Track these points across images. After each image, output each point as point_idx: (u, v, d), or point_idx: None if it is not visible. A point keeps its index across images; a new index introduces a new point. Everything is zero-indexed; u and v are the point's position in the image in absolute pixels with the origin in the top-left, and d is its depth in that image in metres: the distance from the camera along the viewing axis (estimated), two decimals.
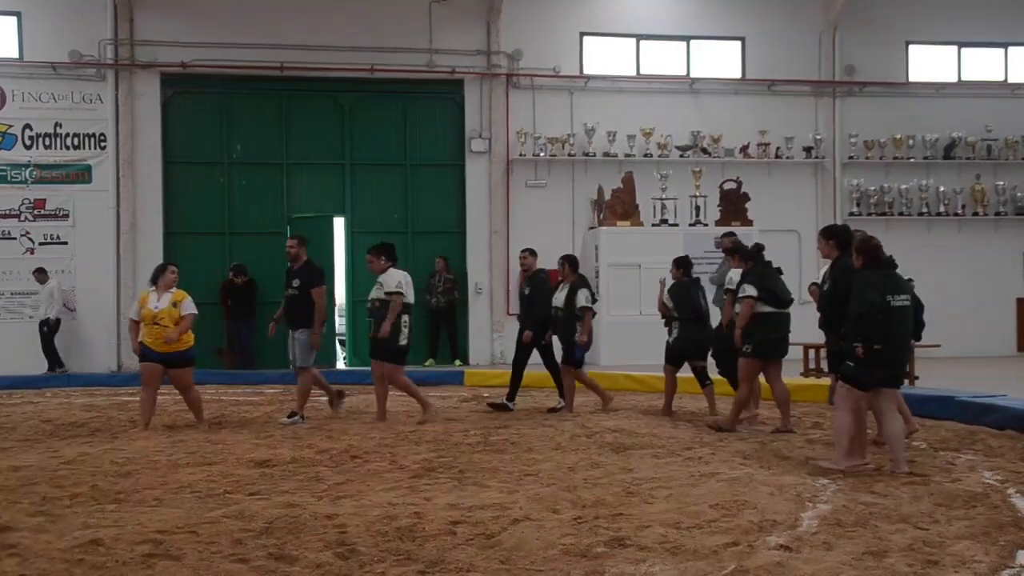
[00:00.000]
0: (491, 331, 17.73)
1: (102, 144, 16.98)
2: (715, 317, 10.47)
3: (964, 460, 7.45)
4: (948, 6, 19.18)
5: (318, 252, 17.24)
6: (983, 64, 19.57)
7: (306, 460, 7.62)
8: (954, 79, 19.42)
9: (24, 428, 9.98)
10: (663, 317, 10.54)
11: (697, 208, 17.29)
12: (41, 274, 16.06)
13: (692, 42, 18.70)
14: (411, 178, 17.97)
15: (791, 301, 9.09)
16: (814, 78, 18.79)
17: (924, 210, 18.90)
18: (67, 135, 16.92)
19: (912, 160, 18.97)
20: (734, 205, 17.14)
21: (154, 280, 9.79)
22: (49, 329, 15.99)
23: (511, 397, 11.13)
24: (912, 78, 19.23)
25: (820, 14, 18.78)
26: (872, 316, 6.70)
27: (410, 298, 9.94)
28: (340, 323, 18.18)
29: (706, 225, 17.11)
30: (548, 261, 17.83)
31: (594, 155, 18.01)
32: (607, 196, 17.23)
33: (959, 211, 19.01)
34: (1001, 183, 19.12)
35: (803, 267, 17.07)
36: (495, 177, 17.87)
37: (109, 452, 8.11)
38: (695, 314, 10.25)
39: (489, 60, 17.89)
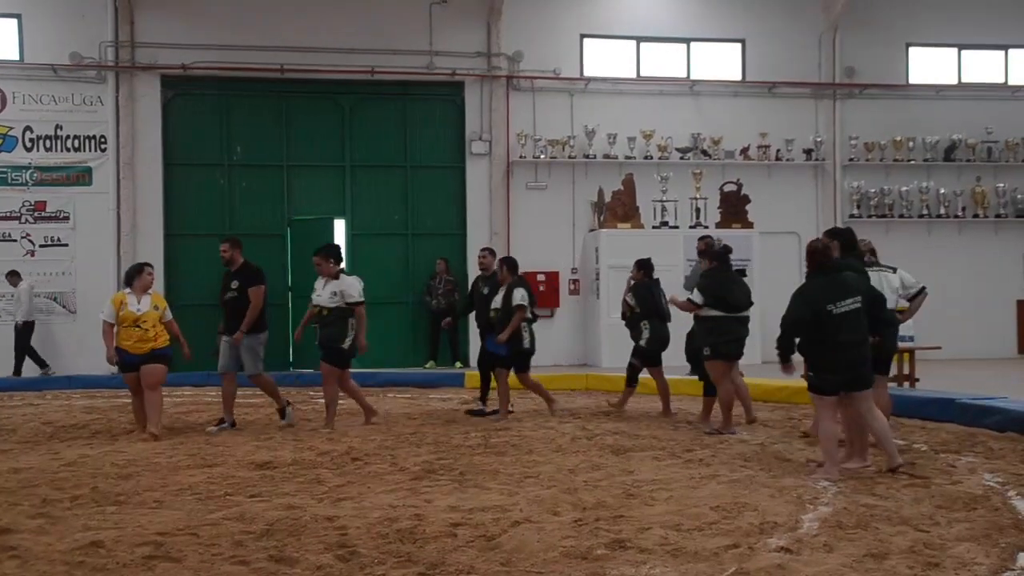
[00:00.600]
0: None
1: (102, 146, 16.99)
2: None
3: (965, 462, 7.45)
4: (948, 8, 19.19)
5: None
6: (983, 66, 19.58)
7: (307, 462, 7.61)
8: (954, 81, 19.43)
9: (25, 430, 9.97)
10: (626, 317, 10.67)
11: (697, 210, 17.29)
12: (14, 276, 15.90)
13: (692, 44, 18.71)
14: (411, 180, 17.97)
15: (747, 306, 9.32)
16: (814, 80, 18.81)
17: (924, 212, 18.90)
18: (67, 137, 16.93)
19: (912, 162, 18.98)
20: (734, 207, 17.15)
21: (128, 281, 9.50)
22: (22, 332, 15.80)
23: (484, 400, 11.05)
24: (912, 80, 19.24)
25: (820, 16, 18.79)
26: (798, 330, 6.94)
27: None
28: None
29: (706, 227, 17.10)
30: (549, 264, 18.01)
31: (594, 157, 18.02)
32: (607, 198, 17.23)
33: (959, 213, 19.02)
34: (1001, 185, 19.13)
35: (803, 269, 17.01)
36: (495, 179, 17.88)
37: (110, 454, 8.11)
38: (661, 314, 10.54)
39: (489, 62, 17.90)
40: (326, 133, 17.77)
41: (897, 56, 19.19)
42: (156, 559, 4.75)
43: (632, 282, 10.79)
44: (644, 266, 10.71)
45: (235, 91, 17.61)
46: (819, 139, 18.74)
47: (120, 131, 16.95)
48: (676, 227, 17.14)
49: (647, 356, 10.66)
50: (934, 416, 9.74)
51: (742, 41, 18.79)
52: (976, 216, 19.08)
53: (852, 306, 6.85)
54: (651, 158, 18.07)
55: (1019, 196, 19.24)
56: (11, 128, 16.79)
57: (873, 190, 18.80)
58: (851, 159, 18.89)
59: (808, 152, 18.71)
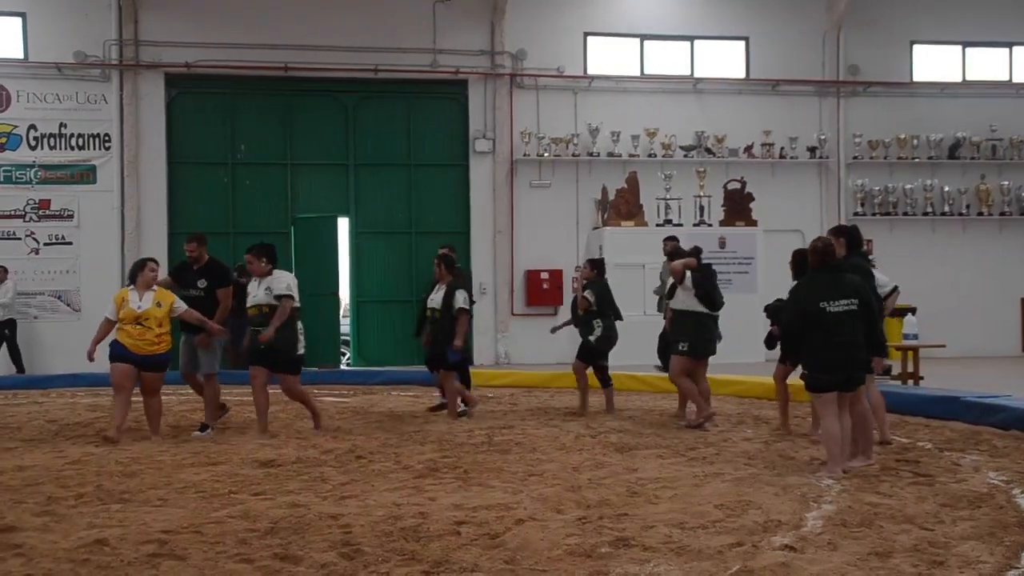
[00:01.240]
0: (495, 331, 17.72)
1: (107, 144, 17.01)
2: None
3: (969, 460, 7.44)
4: (952, 6, 19.15)
5: (323, 252, 17.41)
6: (988, 64, 19.55)
7: (311, 460, 7.62)
8: (959, 79, 19.39)
9: (29, 428, 9.99)
10: (582, 313, 10.64)
11: (701, 208, 17.28)
12: (2, 271, 15.72)
13: (696, 42, 18.69)
14: (415, 178, 17.98)
15: (721, 306, 9.61)
16: (818, 78, 18.78)
17: (929, 210, 18.88)
18: (72, 135, 16.95)
19: (917, 160, 18.95)
20: (738, 205, 17.14)
21: (132, 278, 9.13)
22: (9, 331, 15.69)
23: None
24: (916, 78, 19.21)
25: (824, 14, 18.77)
26: (791, 333, 7.04)
27: (298, 302, 9.11)
28: (345, 323, 18.17)
29: (710, 225, 17.11)
30: (553, 262, 18.02)
31: (598, 155, 18.01)
32: (611, 196, 17.22)
33: (964, 211, 18.99)
34: (1006, 183, 19.10)
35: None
36: (499, 177, 17.88)
37: (114, 452, 8.12)
38: (616, 313, 10.66)
39: (493, 60, 17.90)
40: (330, 131, 17.78)
41: (901, 54, 19.16)
42: (160, 557, 4.75)
43: (584, 280, 10.90)
44: (597, 265, 10.90)
45: (239, 89, 17.62)
46: (823, 137, 18.72)
47: (124, 129, 16.97)
48: (680, 225, 17.09)
49: (595, 353, 10.67)
50: (938, 414, 9.74)
51: (746, 39, 18.77)
52: (980, 214, 19.04)
53: (847, 307, 6.82)
54: (655, 156, 18.06)
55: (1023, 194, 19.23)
56: (15, 126, 16.81)
57: (877, 188, 18.78)
58: (855, 157, 18.86)
59: (812, 150, 18.69)
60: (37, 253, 16.77)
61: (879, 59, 18.92)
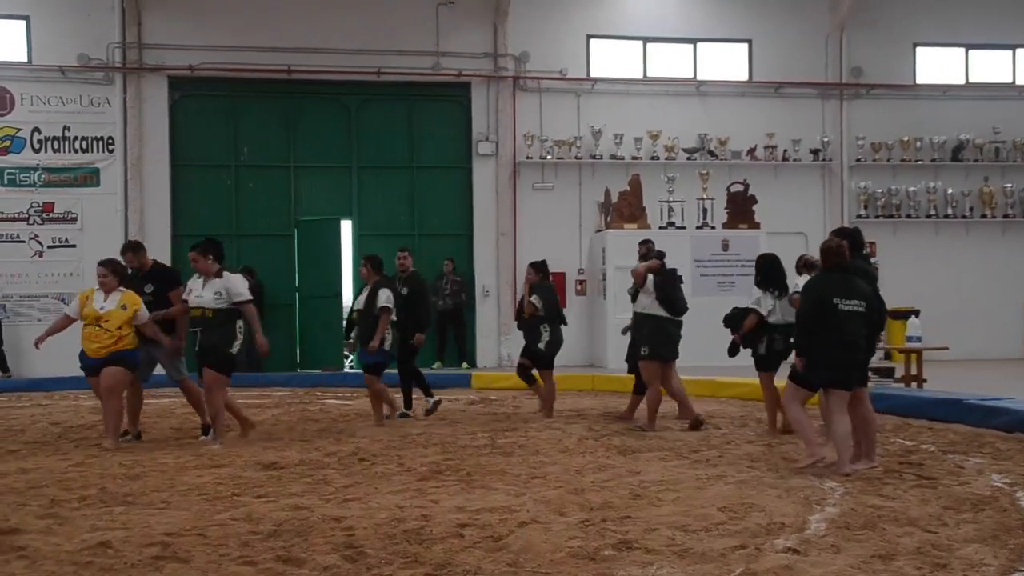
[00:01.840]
0: (498, 333, 17.74)
1: (110, 147, 17.04)
2: None
3: (972, 463, 7.43)
4: (955, 8, 19.15)
5: (326, 255, 17.42)
6: (991, 66, 19.55)
7: (314, 463, 7.62)
8: (962, 81, 19.39)
9: (33, 431, 10.00)
10: (529, 317, 10.53)
11: (704, 211, 17.27)
12: None
13: (699, 44, 18.70)
14: (418, 181, 18.00)
15: (685, 311, 9.68)
16: (821, 80, 18.79)
17: (932, 212, 18.86)
18: (75, 138, 16.98)
19: (920, 162, 18.94)
20: (741, 208, 17.12)
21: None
22: None
23: (408, 405, 10.84)
24: (920, 80, 19.21)
25: (827, 16, 18.77)
26: (807, 324, 7.06)
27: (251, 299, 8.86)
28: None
29: (713, 228, 17.10)
30: (556, 265, 17.92)
31: (601, 158, 18.02)
32: (614, 199, 17.21)
33: (967, 213, 18.98)
34: (1009, 185, 19.09)
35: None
36: (502, 180, 17.89)
37: (117, 455, 8.12)
38: (562, 318, 10.63)
39: (496, 63, 17.91)
40: (333, 134, 17.80)
41: (904, 56, 19.16)
42: (164, 559, 4.75)
43: (529, 284, 10.76)
44: (541, 268, 10.76)
45: (242, 92, 17.65)
46: (826, 139, 18.72)
47: (128, 132, 17.00)
48: (683, 227, 17.10)
49: (543, 359, 10.60)
50: (942, 417, 9.72)
51: (749, 41, 18.78)
52: (984, 216, 19.03)
53: (856, 308, 6.96)
54: (658, 158, 18.07)
55: None
56: (19, 129, 16.85)
57: (880, 190, 18.78)
58: (858, 159, 18.86)
59: (815, 152, 18.69)
60: (41, 256, 16.81)
61: (882, 61, 18.93)
